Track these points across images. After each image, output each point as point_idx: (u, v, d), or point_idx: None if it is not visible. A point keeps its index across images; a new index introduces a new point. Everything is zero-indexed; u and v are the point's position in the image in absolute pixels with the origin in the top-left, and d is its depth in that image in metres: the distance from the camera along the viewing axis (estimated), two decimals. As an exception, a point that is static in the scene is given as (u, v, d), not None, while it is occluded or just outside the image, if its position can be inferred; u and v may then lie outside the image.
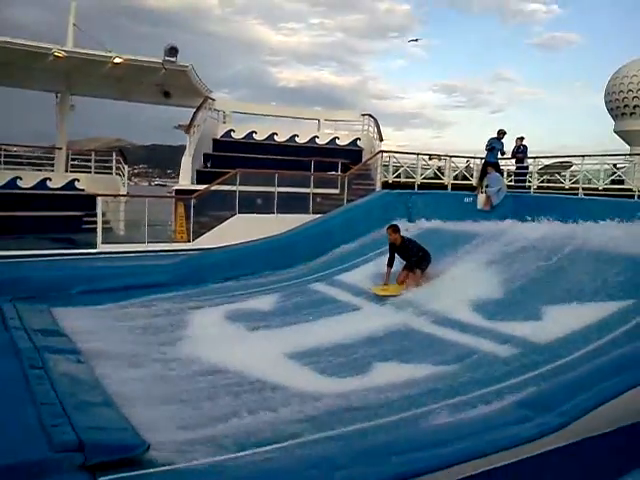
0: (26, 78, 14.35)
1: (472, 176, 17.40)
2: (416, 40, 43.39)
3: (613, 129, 37.26)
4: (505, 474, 3.88)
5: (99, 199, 11.81)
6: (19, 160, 16.85)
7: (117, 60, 13.39)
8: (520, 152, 16.38)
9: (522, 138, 16.47)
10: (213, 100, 16.77)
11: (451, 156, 16.81)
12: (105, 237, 12.39)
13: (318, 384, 5.95)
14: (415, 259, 9.51)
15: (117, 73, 14.55)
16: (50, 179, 15.42)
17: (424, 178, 16.13)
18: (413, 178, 16.09)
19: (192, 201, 12.40)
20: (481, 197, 14.58)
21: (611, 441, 4.43)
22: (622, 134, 36.41)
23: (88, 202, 15.06)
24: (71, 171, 16.14)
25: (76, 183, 15.80)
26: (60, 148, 15.85)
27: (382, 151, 15.66)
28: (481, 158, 16.81)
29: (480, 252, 10.08)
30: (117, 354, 6.52)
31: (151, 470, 3.96)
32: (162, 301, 9.14)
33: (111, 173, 15.47)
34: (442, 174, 16.82)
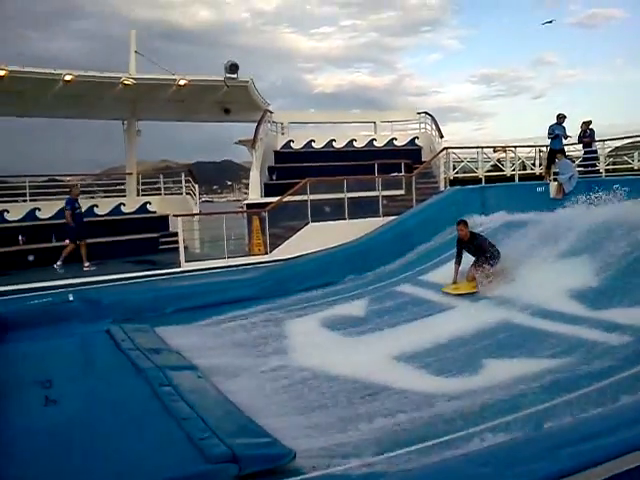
0: (95, 108, 14.92)
1: (534, 165, 17.13)
2: (550, 22, 39.52)
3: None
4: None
5: (179, 219, 12.12)
6: (87, 189, 17.52)
7: (182, 82, 13.77)
8: (587, 136, 15.94)
9: (589, 122, 16.03)
10: (271, 113, 17.03)
11: (515, 146, 16.55)
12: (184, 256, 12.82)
13: (435, 385, 5.96)
14: (484, 255, 9.45)
15: (180, 95, 14.96)
16: (124, 204, 15.98)
17: (486, 171, 15.99)
18: (474, 172, 15.97)
19: (267, 214, 12.63)
20: (553, 185, 14.29)
21: None
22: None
23: (161, 223, 15.65)
24: (142, 194, 16.66)
25: (148, 206, 16.33)
26: (130, 173, 16.40)
27: (446, 148, 15.53)
28: (545, 146, 16.55)
29: (563, 241, 9.89)
30: (229, 368, 6.68)
31: (300, 477, 4.07)
32: (254, 314, 9.31)
33: (181, 193, 15.87)
34: (502, 166, 16.61)
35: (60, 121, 16.96)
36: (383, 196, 14.53)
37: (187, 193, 15.43)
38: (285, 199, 12.97)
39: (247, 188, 15.26)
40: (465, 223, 9.95)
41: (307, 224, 13.08)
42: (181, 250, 11.98)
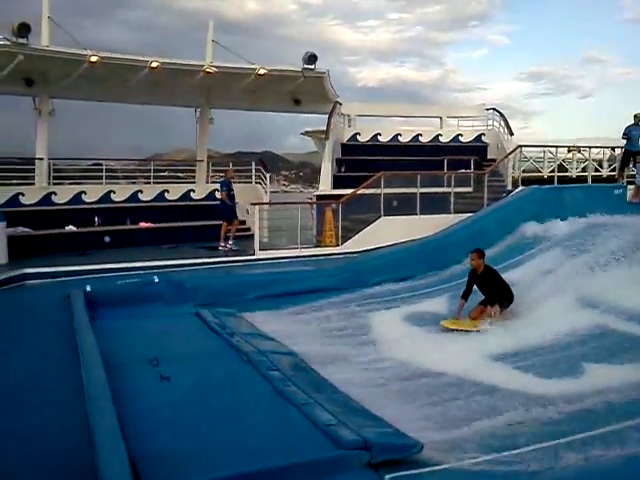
0: (172, 96, 15.20)
1: (602, 167, 16.72)
2: None
3: None
4: None
5: (256, 207, 12.28)
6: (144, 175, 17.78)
7: (261, 71, 13.89)
8: (666, 138, 15.45)
9: (669, 123, 15.52)
10: (341, 104, 17.03)
11: (589, 147, 16.18)
12: (249, 244, 13.02)
13: (538, 386, 5.90)
14: (497, 294, 8.35)
15: (254, 84, 15.09)
16: (194, 190, 16.25)
17: (550, 171, 15.68)
18: (539, 172, 15.67)
19: (340, 206, 12.68)
20: (630, 189, 13.92)
21: None
22: None
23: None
24: (211, 182, 16.92)
25: (216, 193, 16.54)
26: (202, 160, 16.65)
27: (521, 146, 15.28)
28: (615, 147, 16.20)
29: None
30: (325, 357, 6.73)
31: (429, 469, 4.07)
32: (335, 305, 9.38)
33: (250, 182, 16.04)
34: (569, 166, 16.28)
35: (96, 105, 16.88)
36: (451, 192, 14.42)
37: (257, 182, 15.58)
38: (359, 191, 12.97)
39: (286, 179, 15.32)
40: (481, 253, 8.70)
41: (379, 217, 13.08)
42: (256, 238, 12.14)
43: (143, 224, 14.14)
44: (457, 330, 8.03)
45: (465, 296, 8.51)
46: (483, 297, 8.56)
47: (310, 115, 18.44)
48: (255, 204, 12.71)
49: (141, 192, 15.41)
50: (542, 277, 9.66)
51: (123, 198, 15.06)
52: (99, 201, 14.69)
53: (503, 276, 9.32)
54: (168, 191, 15.82)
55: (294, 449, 4.20)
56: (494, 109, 18.89)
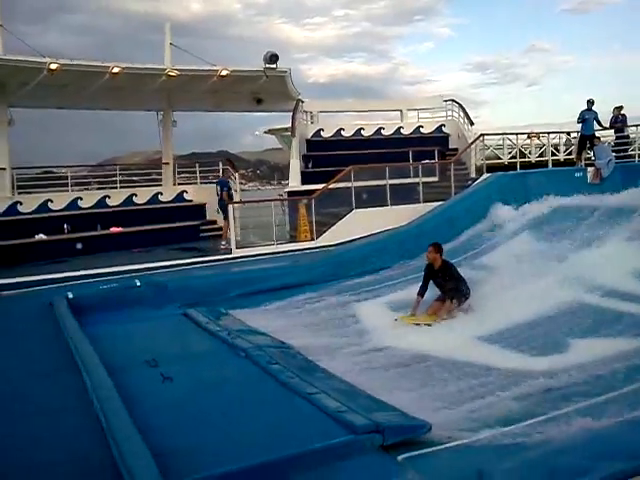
0: (134, 100, 15.05)
1: (558, 151, 17.25)
2: None
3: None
4: None
5: (231, 207, 12.30)
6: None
7: (223, 72, 13.88)
8: (619, 121, 16.11)
9: (620, 107, 16.17)
10: (303, 102, 17.13)
11: (548, 133, 16.70)
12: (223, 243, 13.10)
13: (528, 363, 6.16)
14: (454, 289, 8.16)
15: (216, 85, 15.05)
16: (161, 193, 16.15)
17: (511, 158, 16.07)
18: (498, 159, 16.04)
19: (313, 201, 12.82)
20: (590, 170, 14.47)
21: None
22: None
23: (198, 212, 15.85)
24: (178, 184, 16.84)
25: (185, 194, 16.51)
26: (168, 163, 16.53)
27: (483, 134, 15.68)
28: (573, 132, 16.77)
29: (616, 225, 10.11)
30: (320, 348, 6.87)
31: (439, 447, 4.24)
32: (318, 298, 9.51)
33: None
34: (528, 152, 16.75)
35: (48, 112, 16.54)
36: (418, 183, 14.71)
37: (226, 181, 15.54)
38: (330, 186, 13.14)
39: (243, 178, 15.45)
40: (438, 247, 8.48)
41: (351, 211, 13.27)
42: (232, 237, 12.17)
43: (114, 229, 13.99)
44: (416, 324, 7.90)
45: (421, 292, 8.31)
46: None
47: (264, 114, 18.54)
48: (231, 203, 12.72)
49: (108, 197, 15.21)
50: (515, 260, 9.97)
51: (91, 204, 14.85)
52: (66, 208, 14.44)
53: (477, 261, 9.64)
54: (136, 195, 15.67)
55: (307, 437, 4.31)
56: (452, 100, 19.25)
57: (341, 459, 4.01)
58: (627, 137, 16.15)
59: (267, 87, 15.72)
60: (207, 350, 6.71)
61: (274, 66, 14.49)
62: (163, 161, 16.66)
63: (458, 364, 6.26)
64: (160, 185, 16.80)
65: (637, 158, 15.42)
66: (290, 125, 15.97)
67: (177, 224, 15.00)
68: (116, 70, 12.60)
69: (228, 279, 10.19)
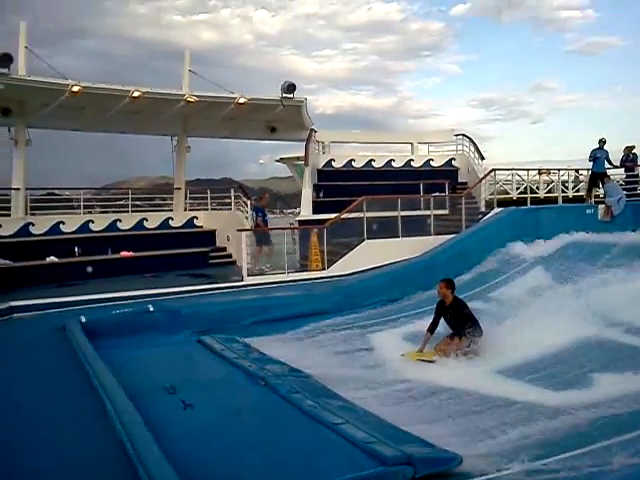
0: (151, 124, 15.20)
1: (567, 188, 17.32)
2: None
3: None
4: None
5: (243, 234, 12.34)
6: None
7: (241, 100, 14.05)
8: (630, 160, 16.24)
9: (632, 147, 16.33)
10: (316, 132, 17.30)
11: (558, 169, 16.81)
12: (233, 271, 13.08)
13: (552, 397, 6.09)
14: (464, 328, 7.78)
15: (232, 113, 15.23)
16: (172, 218, 16.20)
17: (519, 193, 16.12)
18: (507, 194, 16.08)
19: (324, 230, 12.86)
20: (601, 208, 14.53)
21: None
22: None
23: (208, 238, 15.87)
24: (189, 209, 16.90)
25: (195, 220, 16.55)
26: (179, 188, 16.61)
27: (494, 169, 15.78)
28: (583, 169, 16.87)
29: (632, 262, 10.12)
30: (337, 378, 6.79)
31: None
32: (333, 327, 9.48)
33: (230, 208, 16.05)
34: (537, 188, 16.82)
35: (49, 133, 16.25)
36: (428, 215, 14.76)
37: (237, 209, 15.61)
38: (343, 216, 13.20)
39: (245, 206, 15.48)
40: (449, 283, 8.20)
41: (363, 241, 13.29)
42: (244, 264, 12.17)
43: (124, 253, 14.00)
44: (423, 361, 7.64)
45: (431, 329, 8.06)
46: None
47: (269, 142, 18.70)
48: (241, 230, 12.73)
49: (120, 221, 15.28)
50: (530, 294, 9.96)
51: (102, 227, 14.91)
52: (78, 231, 14.49)
53: (491, 294, 9.59)
54: (147, 219, 15.73)
55: (336, 468, 4.25)
56: (463, 135, 19.46)
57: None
58: (637, 176, 16.26)
59: (282, 116, 15.90)
60: (225, 378, 6.64)
61: (291, 95, 14.68)
62: (175, 186, 16.75)
63: (479, 397, 6.20)
64: (171, 210, 16.86)
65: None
66: (304, 154, 16.13)
67: (187, 250, 14.99)
68: (136, 94, 12.77)
69: (242, 306, 10.18)
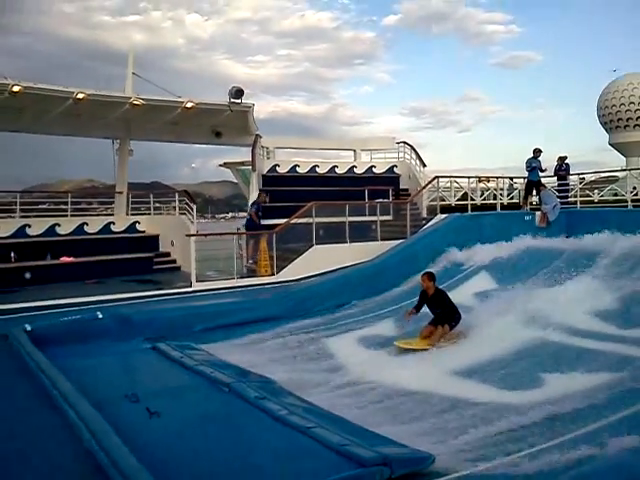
0: (93, 127, 14.75)
1: (502, 195, 18.00)
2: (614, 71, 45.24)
3: (608, 141, 38.52)
4: None
5: (192, 239, 12.17)
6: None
7: (189, 105, 13.85)
8: (562, 170, 17.08)
9: (565, 157, 17.19)
10: (261, 137, 17.25)
11: (497, 177, 17.47)
12: (179, 276, 12.90)
13: (506, 397, 6.36)
14: (444, 314, 8.81)
15: (177, 117, 14.99)
16: (114, 223, 15.77)
17: (457, 200, 16.63)
18: (445, 201, 16.54)
19: (274, 236, 12.86)
20: (538, 214, 15.19)
21: None
22: (617, 146, 37.65)
23: (151, 243, 15.54)
24: (131, 214, 16.49)
25: (137, 225, 16.17)
26: (121, 192, 16.18)
27: (438, 177, 16.22)
28: (518, 178, 17.64)
29: (573, 266, 10.66)
30: (297, 382, 6.83)
31: (445, 478, 4.32)
32: (286, 333, 9.52)
33: (174, 214, 15.77)
34: (473, 195, 17.42)
35: None
36: (374, 221, 15.03)
37: (181, 214, 15.36)
38: (292, 221, 13.24)
39: (175, 210, 15.38)
40: (430, 275, 9.20)
41: (312, 246, 13.36)
42: (192, 270, 12.00)
43: (65, 259, 13.49)
44: (412, 350, 8.41)
45: (416, 308, 9.07)
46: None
47: (200, 146, 18.51)
48: (190, 235, 12.55)
49: (58, 225, 14.69)
50: (476, 298, 10.31)
51: (39, 232, 14.30)
52: (13, 235, 13.85)
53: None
54: (87, 224, 15.22)
55: (313, 472, 4.31)
56: (404, 142, 19.90)
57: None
58: (568, 185, 17.12)
59: (228, 121, 15.74)
60: (188, 385, 6.54)
61: (239, 101, 14.58)
62: (117, 190, 16.27)
63: (440, 398, 6.39)
64: (112, 214, 16.41)
65: (578, 204, 16.32)
66: (249, 159, 16.08)
67: (130, 255, 14.61)
68: (80, 96, 12.35)
69: (194, 313, 10.05)
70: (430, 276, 9.12)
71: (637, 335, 7.80)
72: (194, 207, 14.74)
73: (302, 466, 4.42)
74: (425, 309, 9.10)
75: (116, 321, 9.16)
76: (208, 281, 12.32)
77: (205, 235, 13.46)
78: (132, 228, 16.01)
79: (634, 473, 3.67)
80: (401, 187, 19.08)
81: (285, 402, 5.70)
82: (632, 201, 15.49)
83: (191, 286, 11.89)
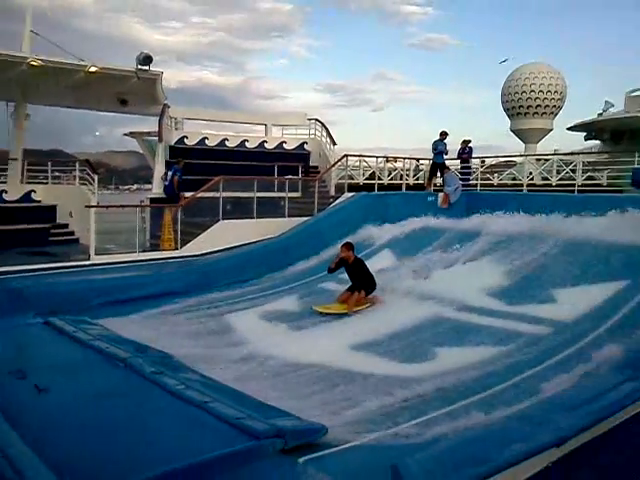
0: (-18, 87, 13.72)
1: (408, 176, 18.52)
2: (505, 61, 44.33)
3: (510, 127, 40.43)
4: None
5: (91, 210, 11.66)
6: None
7: (92, 69, 13.14)
8: (465, 153, 17.77)
9: (468, 141, 17.87)
10: (169, 107, 16.73)
11: (404, 158, 17.91)
12: (77, 249, 12.44)
13: (401, 370, 6.62)
14: (362, 281, 9.47)
15: (78, 81, 14.20)
16: (6, 191, 14.84)
17: (365, 179, 16.92)
18: (353, 179, 16.79)
19: (179, 209, 12.57)
20: (440, 195, 15.73)
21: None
22: (517, 132, 39.60)
23: (47, 214, 14.79)
24: (27, 182, 15.57)
25: (32, 195, 15.31)
26: (15, 159, 15.21)
27: (346, 155, 16.39)
28: (424, 159, 18.20)
29: (468, 245, 11.17)
30: (199, 357, 6.79)
31: (337, 448, 4.44)
32: (187, 308, 9.40)
33: (74, 184, 15.03)
34: (380, 174, 17.80)
35: None
36: (282, 197, 15.05)
37: (82, 184, 14.64)
38: (199, 195, 12.97)
39: (75, 179, 14.85)
40: (350, 245, 9.79)
41: (218, 221, 13.17)
42: (92, 242, 11.51)
43: (-51, 228, 12.58)
44: (329, 313, 8.96)
45: (331, 270, 9.83)
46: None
47: (106, 113, 17.82)
48: (89, 207, 12.00)
49: (-58, 193, 13.68)
50: (378, 275, 10.56)
51: None
52: None
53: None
54: (-24, 192, 14.25)
55: (208, 445, 4.28)
56: (316, 119, 19.96)
57: (245, 465, 4.04)
58: (470, 167, 17.83)
59: (135, 88, 15.05)
60: (82, 360, 6.29)
61: (147, 68, 13.99)
62: (10, 157, 15.28)
63: (337, 371, 6.56)
64: (4, 182, 15.41)
65: (478, 187, 17.04)
66: (156, 129, 15.53)
67: (24, 226, 13.81)
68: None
69: (91, 286, 9.65)
70: (349, 245, 9.72)
71: (522, 311, 8.29)
72: (95, 177, 14.10)
73: (197, 440, 4.40)
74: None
75: (5, 294, 8.64)
76: (108, 254, 11.86)
77: (106, 207, 12.90)
78: (27, 197, 15.13)
79: (515, 438, 3.92)
80: (311, 164, 19.18)
81: (183, 377, 5.63)
82: (527, 185, 16.38)
83: (90, 259, 11.41)
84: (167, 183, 14.43)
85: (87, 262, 11.37)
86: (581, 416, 4.36)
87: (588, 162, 19.24)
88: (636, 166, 14.25)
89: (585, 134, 31.38)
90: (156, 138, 16.18)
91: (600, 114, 28.25)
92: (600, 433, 4.27)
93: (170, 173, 14.48)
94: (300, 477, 3.97)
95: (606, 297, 8.14)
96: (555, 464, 3.87)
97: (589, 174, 16.47)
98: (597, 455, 4.09)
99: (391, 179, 17.69)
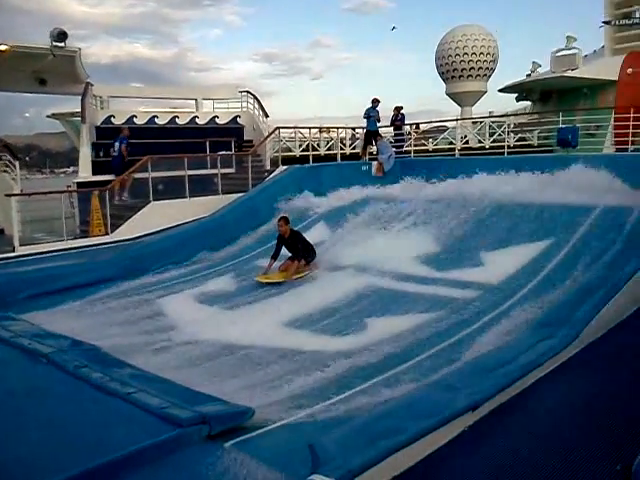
0: None
1: (345, 145, 18.52)
2: (393, 29, 43.92)
3: (445, 91, 40.77)
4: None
5: (13, 199, 11.15)
6: None
7: (2, 47, 12.45)
8: (398, 120, 17.83)
9: (400, 107, 17.92)
10: (92, 85, 16.10)
11: (337, 128, 17.83)
12: (3, 240, 11.93)
13: (334, 344, 6.64)
14: (302, 251, 9.79)
15: (-10, 61, 13.46)
16: None
17: (302, 150, 16.83)
18: (291, 152, 16.71)
19: (107, 193, 12.18)
20: (374, 164, 15.79)
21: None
22: (452, 96, 39.97)
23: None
24: None
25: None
26: None
27: (279, 127, 16.19)
28: (359, 128, 18.17)
29: (402, 214, 11.29)
30: (128, 346, 6.65)
31: (263, 430, 4.45)
32: (119, 295, 9.14)
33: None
34: (318, 145, 17.74)
35: None
36: (215, 174, 14.78)
37: (4, 171, 13.97)
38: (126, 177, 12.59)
39: (13, 168, 14.23)
40: (286, 219, 10.04)
41: (149, 203, 12.84)
42: (15, 233, 11.04)
43: None
44: (270, 283, 9.22)
45: (274, 256, 9.86)
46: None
47: (38, 95, 17.09)
48: (10, 195, 11.48)
49: None
50: (315, 247, 10.56)
51: None
52: None
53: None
54: None
55: (133, 437, 4.20)
56: (248, 91, 19.59)
57: (170, 454, 3.98)
58: (403, 134, 17.94)
59: (53, 67, 14.44)
60: (0, 359, 6.06)
61: (62, 44, 13.36)
62: None
63: (269, 350, 6.54)
64: None
65: (412, 154, 17.18)
66: (80, 110, 14.94)
67: None
68: None
69: (15, 279, 9.26)
70: (285, 220, 9.98)
71: (453, 277, 8.46)
72: (17, 163, 13.49)
73: (120, 433, 4.30)
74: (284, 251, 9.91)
75: None
76: (35, 244, 11.42)
77: (29, 195, 12.35)
78: None
79: (434, 405, 4.00)
80: (245, 138, 18.89)
81: (107, 369, 5.49)
82: (463, 149, 16.62)
83: (14, 250, 10.97)
84: (116, 153, 14.31)
85: (12, 254, 10.92)
86: (497, 378, 4.50)
87: (519, 123, 19.71)
88: (561, 125, 14.62)
89: (516, 95, 32.01)
90: (79, 118, 15.59)
91: (528, 75, 28.78)
92: (514, 394, 4.42)
93: (117, 144, 14.41)
94: (225, 462, 3.94)
95: (531, 257, 8.38)
96: (471, 428, 3.98)
97: (520, 135, 16.85)
98: (511, 417, 4.21)
99: (329, 149, 17.66)
